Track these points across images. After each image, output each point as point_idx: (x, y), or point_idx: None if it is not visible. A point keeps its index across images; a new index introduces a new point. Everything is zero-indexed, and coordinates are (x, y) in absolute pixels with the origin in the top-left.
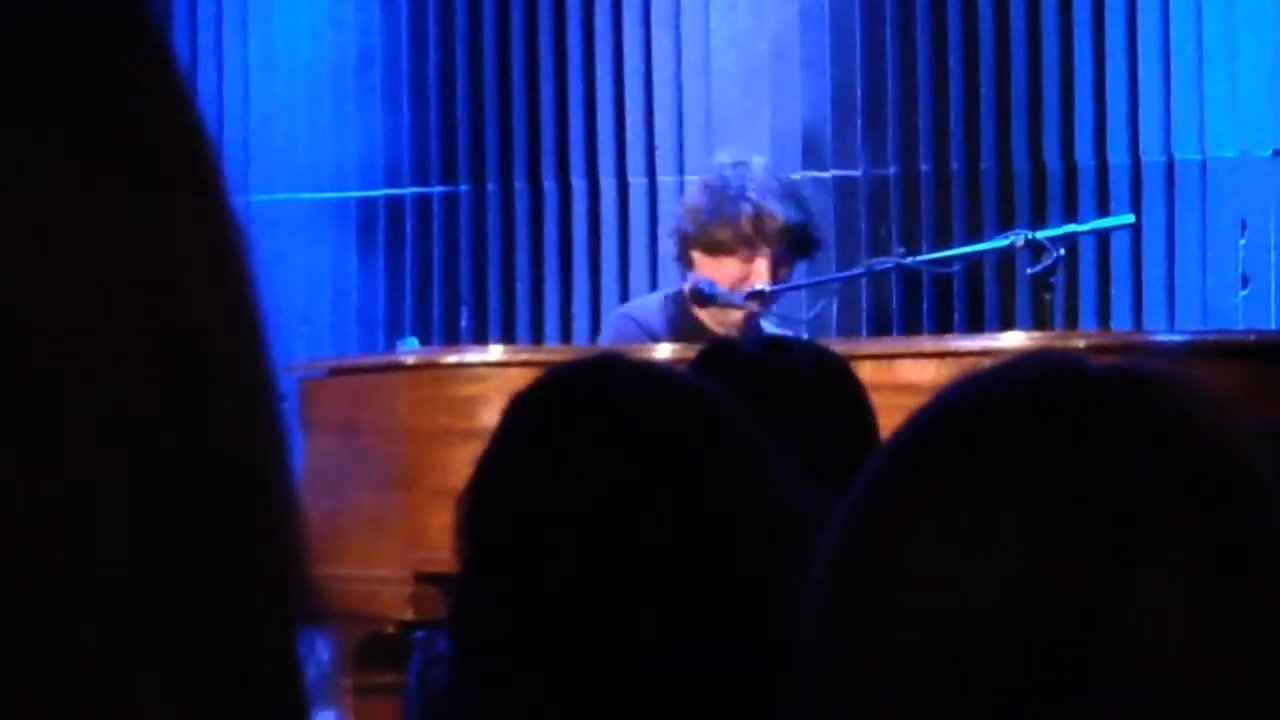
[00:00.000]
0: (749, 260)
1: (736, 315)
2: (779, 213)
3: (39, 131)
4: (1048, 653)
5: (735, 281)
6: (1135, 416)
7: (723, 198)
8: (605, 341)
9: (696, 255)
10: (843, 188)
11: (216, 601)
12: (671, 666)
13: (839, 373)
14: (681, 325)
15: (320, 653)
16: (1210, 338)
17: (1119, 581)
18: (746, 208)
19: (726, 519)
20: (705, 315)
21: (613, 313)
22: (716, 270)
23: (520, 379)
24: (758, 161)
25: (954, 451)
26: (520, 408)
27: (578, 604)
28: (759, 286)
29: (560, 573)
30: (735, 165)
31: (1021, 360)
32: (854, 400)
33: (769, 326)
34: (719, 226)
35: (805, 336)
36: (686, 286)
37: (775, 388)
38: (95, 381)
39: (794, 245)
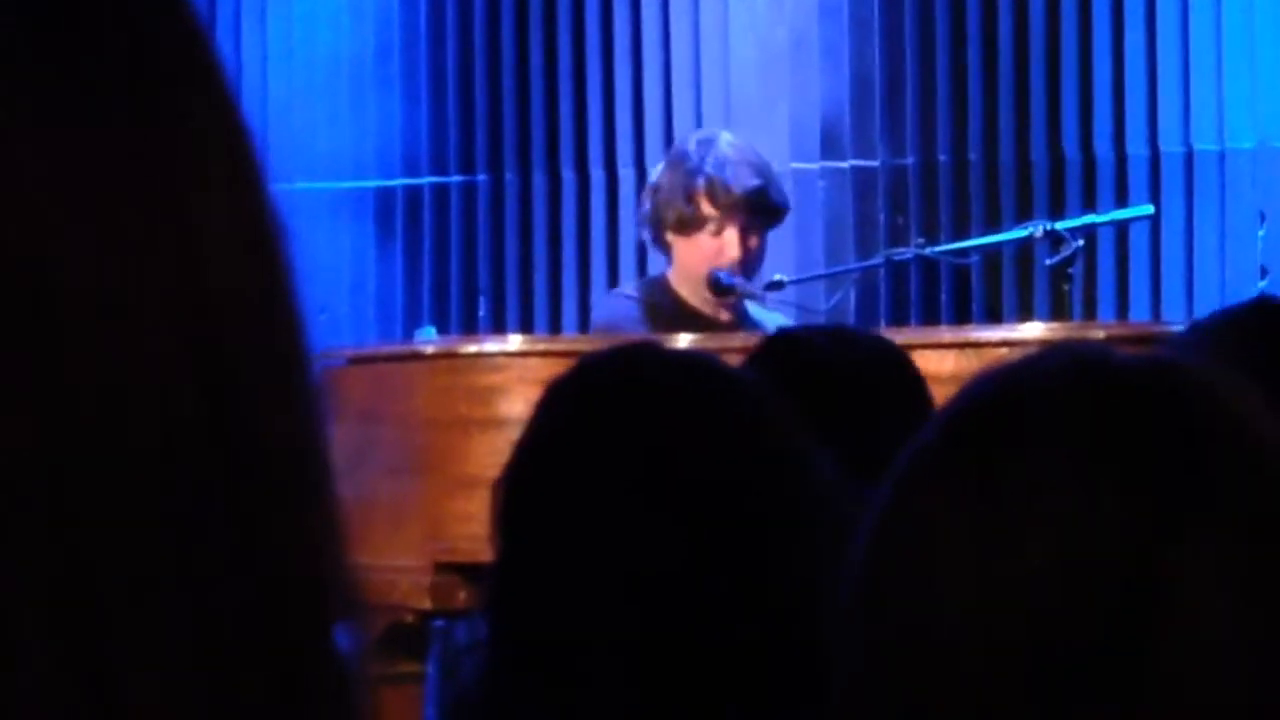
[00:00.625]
0: (717, 234)
1: (712, 302)
2: (733, 182)
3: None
4: (1086, 641)
5: (710, 258)
6: (1169, 407)
7: (679, 174)
8: (600, 319)
9: (670, 238)
10: (861, 178)
11: (247, 581)
12: (704, 655)
13: (899, 364)
14: (669, 311)
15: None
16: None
17: (1158, 571)
18: (700, 181)
19: (759, 510)
20: (697, 302)
21: (604, 295)
22: (692, 249)
23: (539, 368)
24: (724, 136)
25: (992, 442)
26: (556, 396)
27: (611, 593)
28: (733, 256)
29: (594, 561)
30: (700, 141)
31: (1050, 352)
32: (914, 391)
33: (759, 311)
34: (679, 204)
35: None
36: (705, 277)
37: (837, 379)
38: (123, 348)
39: (756, 212)
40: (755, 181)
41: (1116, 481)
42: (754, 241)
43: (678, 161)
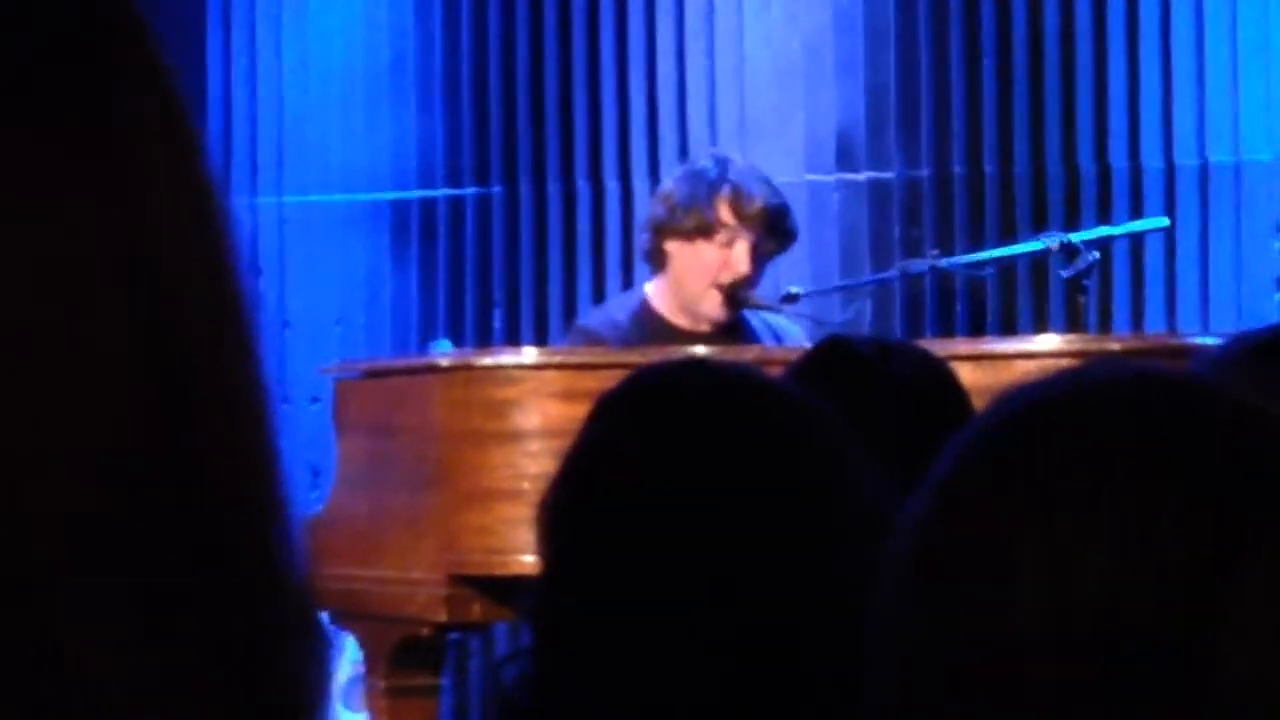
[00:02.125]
0: (728, 245)
1: (713, 315)
2: (758, 195)
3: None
4: (1148, 644)
5: (714, 269)
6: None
7: (700, 182)
8: (585, 325)
9: (672, 245)
10: (876, 190)
11: (192, 536)
12: (751, 668)
13: (944, 377)
14: (649, 330)
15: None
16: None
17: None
18: (725, 189)
19: (806, 523)
20: (676, 316)
21: (573, 325)
22: (693, 258)
23: (554, 381)
24: (738, 158)
25: (1059, 448)
26: (607, 408)
27: (660, 604)
28: (741, 271)
29: (643, 572)
30: (717, 159)
31: (1105, 364)
32: (958, 404)
33: (767, 319)
34: (697, 211)
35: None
36: (725, 290)
37: (882, 390)
38: (59, 307)
39: (773, 230)
40: (778, 200)
41: (1181, 491)
42: (762, 261)
43: (696, 174)
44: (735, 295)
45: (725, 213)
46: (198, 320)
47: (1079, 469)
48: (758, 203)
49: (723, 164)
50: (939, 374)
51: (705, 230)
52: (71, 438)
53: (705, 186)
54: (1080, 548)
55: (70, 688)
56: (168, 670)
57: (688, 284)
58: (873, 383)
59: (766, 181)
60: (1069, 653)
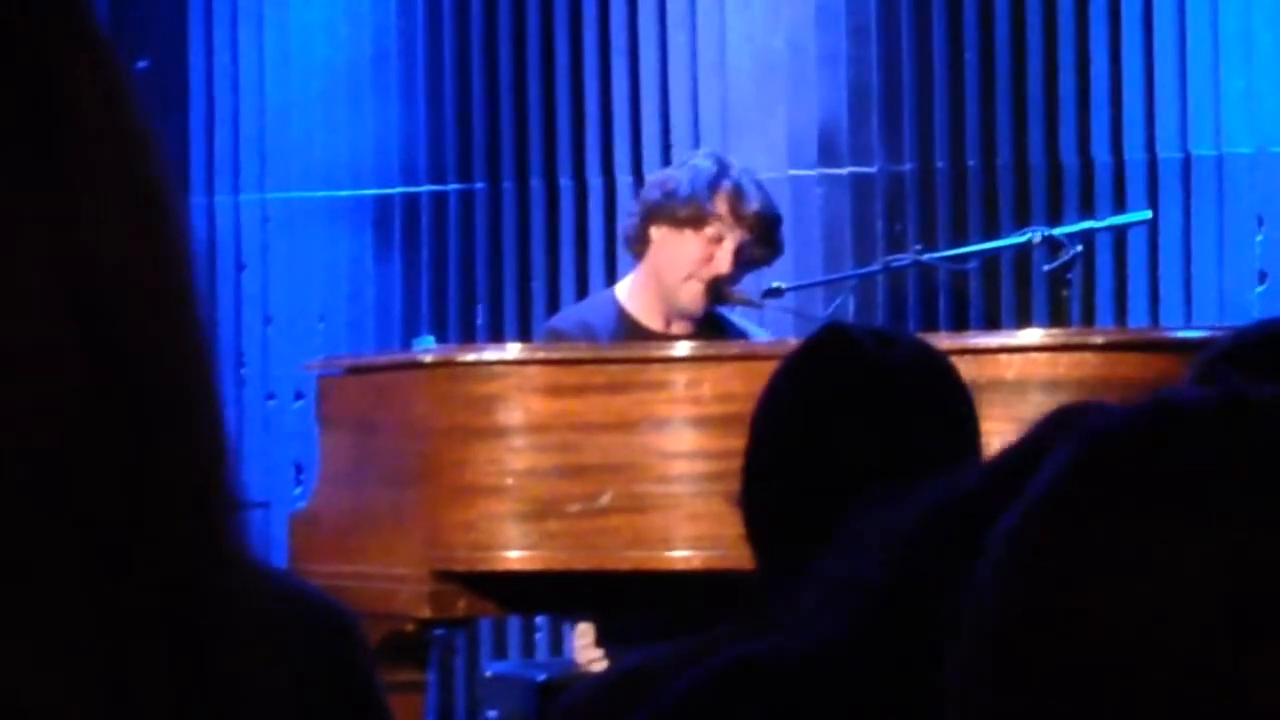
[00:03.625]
0: (716, 241)
1: (690, 308)
2: (755, 199)
3: None
4: (1250, 641)
5: (696, 262)
6: None
7: (702, 174)
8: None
9: (658, 232)
10: (859, 185)
11: (133, 496)
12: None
13: (941, 366)
14: (619, 330)
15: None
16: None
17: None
18: (726, 184)
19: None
20: (648, 317)
21: (545, 327)
22: (678, 247)
23: (537, 377)
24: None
25: (1146, 471)
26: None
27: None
28: (721, 270)
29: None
30: (718, 159)
31: (1192, 385)
32: (955, 392)
33: (741, 319)
34: (695, 200)
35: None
36: (707, 282)
37: (880, 377)
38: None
39: (762, 237)
40: (773, 210)
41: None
42: (744, 268)
43: (698, 166)
44: (719, 290)
45: (722, 207)
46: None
47: (1176, 478)
48: (754, 205)
49: (724, 163)
50: (937, 363)
51: (698, 221)
52: (15, 452)
53: (707, 179)
54: (1182, 546)
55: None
56: (109, 617)
57: (667, 274)
58: (871, 370)
59: (763, 189)
60: (1162, 648)
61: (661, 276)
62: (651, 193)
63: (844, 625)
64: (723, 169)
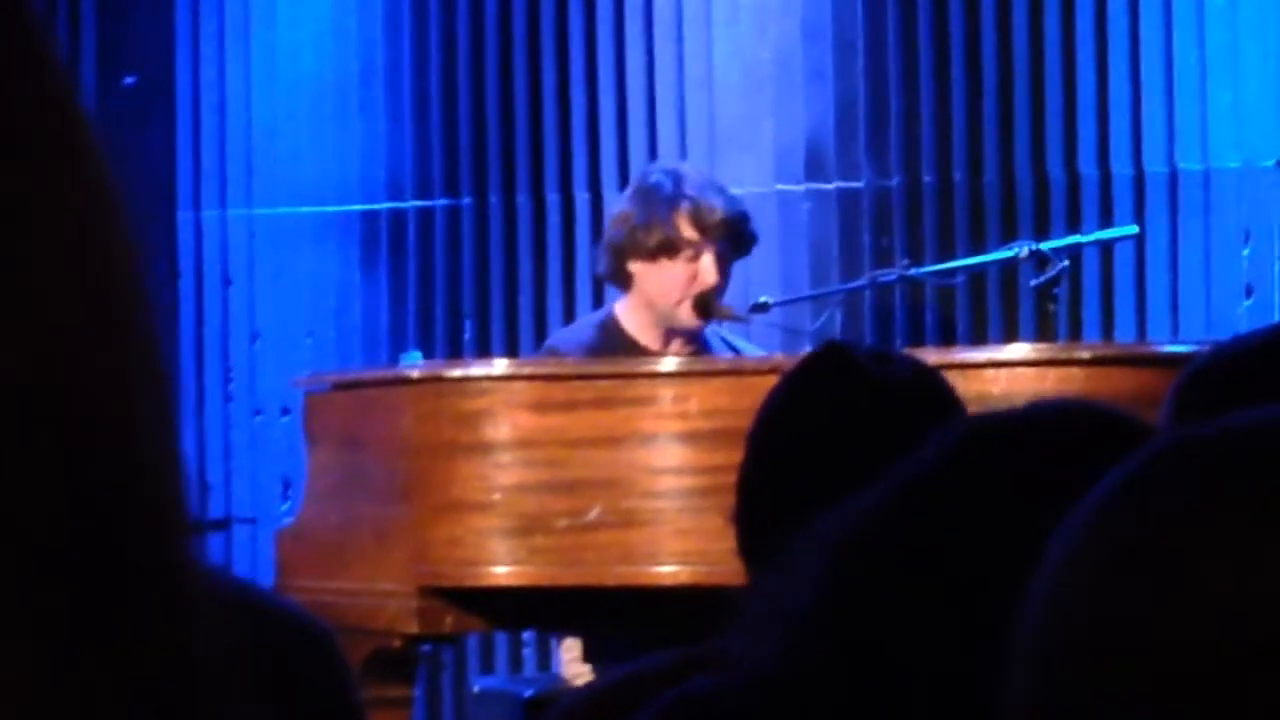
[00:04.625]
0: (694, 259)
1: (690, 325)
2: (719, 205)
3: None
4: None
5: (684, 284)
6: None
7: (656, 199)
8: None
9: (636, 266)
10: (846, 199)
11: (82, 514)
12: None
13: (938, 388)
14: (617, 350)
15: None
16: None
17: None
18: (684, 204)
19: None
20: (646, 337)
21: (541, 347)
22: (661, 276)
23: (524, 392)
24: (689, 167)
25: (1224, 485)
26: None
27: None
28: (709, 282)
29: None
30: (665, 172)
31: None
32: (952, 412)
33: (729, 338)
34: (658, 229)
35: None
36: (694, 299)
37: (878, 395)
38: None
39: (736, 238)
40: (736, 206)
41: None
42: (727, 269)
43: (649, 190)
44: (706, 304)
45: (688, 228)
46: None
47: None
48: (718, 213)
49: (676, 177)
50: (933, 381)
51: (670, 249)
52: None
53: (663, 204)
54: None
55: None
56: (56, 640)
57: (659, 302)
58: (868, 388)
59: (721, 189)
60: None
61: (655, 305)
62: (614, 232)
63: (774, 652)
64: (676, 185)
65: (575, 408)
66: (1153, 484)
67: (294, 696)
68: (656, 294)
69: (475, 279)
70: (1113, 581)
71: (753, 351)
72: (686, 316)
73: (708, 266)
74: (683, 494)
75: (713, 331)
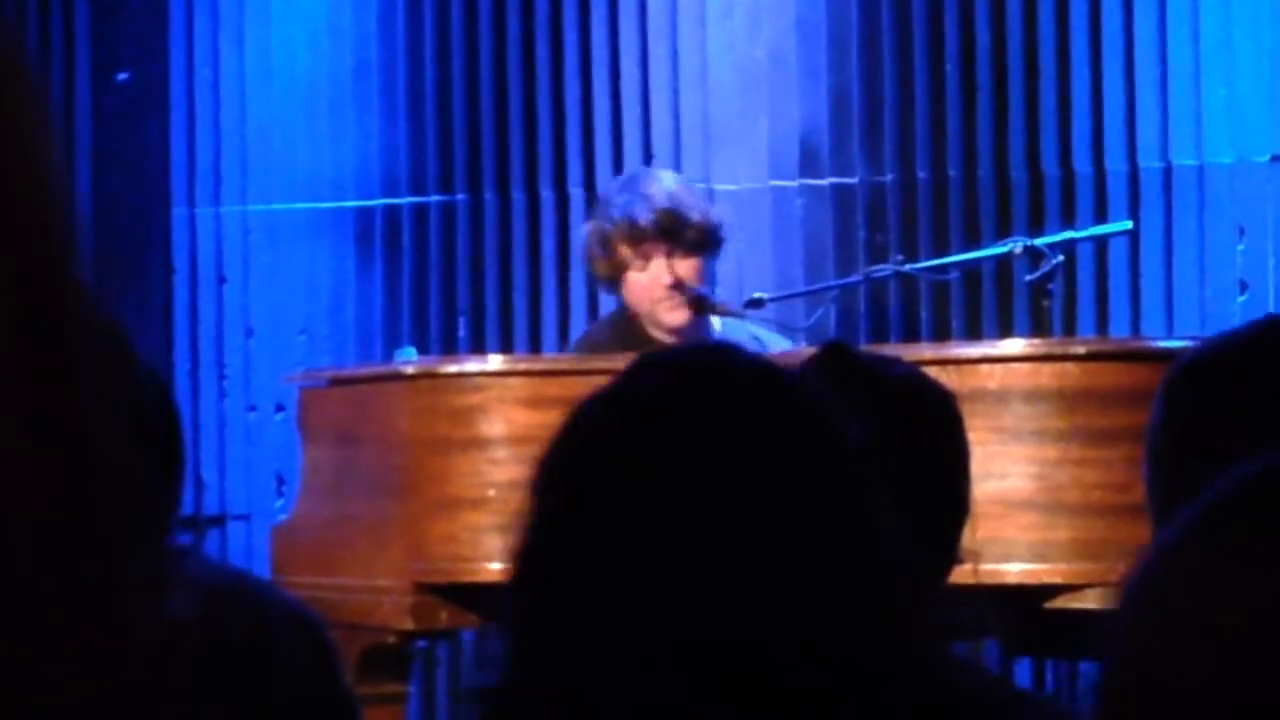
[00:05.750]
0: (644, 269)
1: (677, 323)
2: (638, 215)
3: None
4: None
5: (649, 292)
6: None
7: (597, 226)
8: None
9: (621, 276)
10: (840, 195)
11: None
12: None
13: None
14: (630, 342)
15: None
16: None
17: None
18: (609, 226)
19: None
20: (656, 332)
21: (577, 337)
22: (631, 290)
23: (519, 388)
24: (647, 173)
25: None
26: (636, 372)
27: (650, 578)
28: (665, 284)
29: (637, 543)
30: (621, 183)
31: None
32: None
33: (729, 326)
34: (601, 256)
35: (804, 344)
36: (687, 295)
37: (882, 396)
38: None
39: (669, 238)
40: (662, 206)
41: None
42: (684, 267)
43: (598, 209)
44: (691, 298)
45: (622, 248)
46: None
47: None
48: (640, 223)
49: (619, 189)
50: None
51: (620, 268)
52: None
53: (599, 230)
54: None
55: None
56: None
57: (641, 310)
58: (873, 388)
59: (662, 191)
60: None
61: (640, 312)
62: (593, 249)
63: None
64: (605, 212)
65: (570, 404)
66: None
67: (283, 679)
68: (634, 304)
69: (470, 275)
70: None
71: (778, 344)
72: (667, 317)
73: (658, 270)
74: None
75: (739, 326)
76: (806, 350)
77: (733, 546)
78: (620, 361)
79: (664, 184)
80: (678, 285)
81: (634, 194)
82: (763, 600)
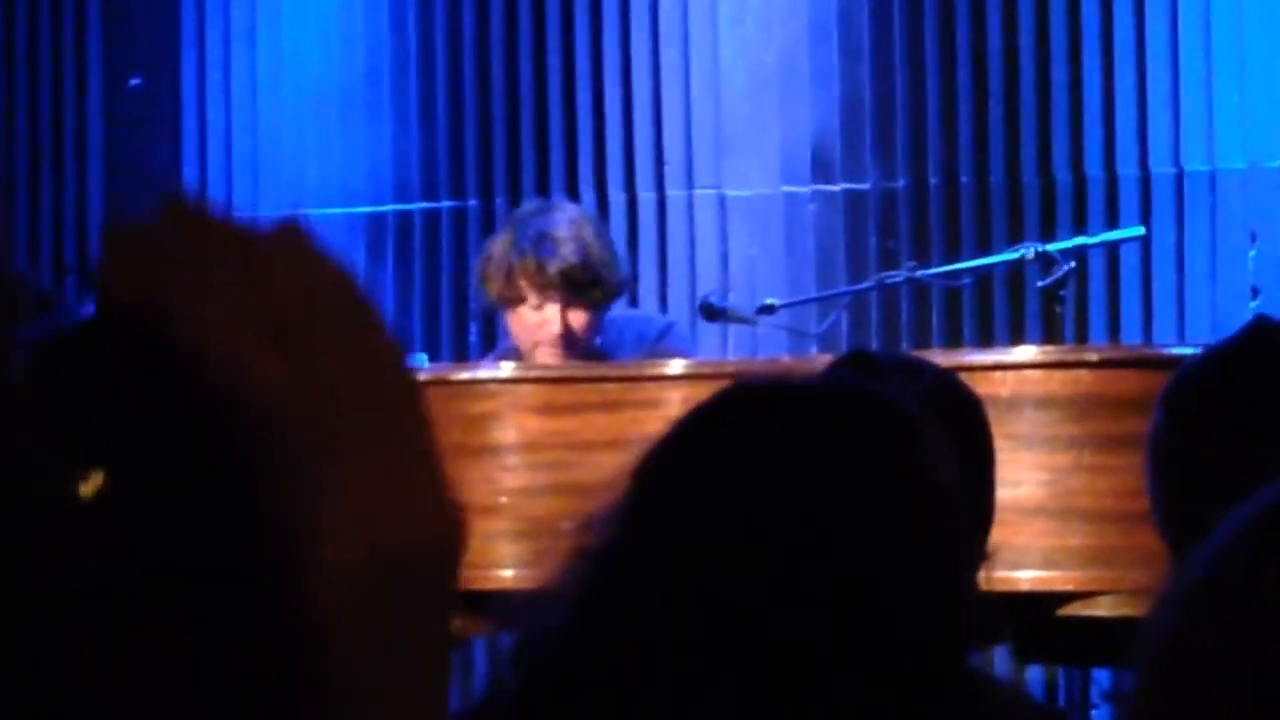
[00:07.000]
0: (539, 308)
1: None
2: (548, 260)
3: None
4: None
5: (533, 331)
6: None
7: (505, 248)
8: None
9: (513, 307)
10: (852, 201)
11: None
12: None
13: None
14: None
15: None
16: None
17: None
18: (517, 258)
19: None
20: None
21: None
22: (515, 322)
23: (531, 395)
24: (561, 208)
25: None
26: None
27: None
28: (553, 333)
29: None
30: (534, 211)
31: None
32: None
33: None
34: (501, 280)
35: (814, 350)
36: (699, 304)
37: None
38: None
39: (572, 290)
40: (572, 261)
41: None
42: (578, 318)
43: (510, 230)
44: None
45: (523, 282)
46: None
47: None
48: (549, 270)
49: (532, 219)
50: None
51: (514, 299)
52: None
53: (506, 254)
54: None
55: None
56: None
57: (517, 341)
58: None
59: (572, 237)
60: None
61: (520, 345)
62: (481, 280)
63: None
64: (516, 239)
65: (582, 411)
66: None
67: None
68: (512, 334)
69: None
70: None
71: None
72: (544, 358)
73: (551, 318)
74: None
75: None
76: (821, 358)
77: (817, 567)
78: (630, 369)
79: (580, 231)
80: (566, 335)
81: (548, 235)
82: (842, 619)
